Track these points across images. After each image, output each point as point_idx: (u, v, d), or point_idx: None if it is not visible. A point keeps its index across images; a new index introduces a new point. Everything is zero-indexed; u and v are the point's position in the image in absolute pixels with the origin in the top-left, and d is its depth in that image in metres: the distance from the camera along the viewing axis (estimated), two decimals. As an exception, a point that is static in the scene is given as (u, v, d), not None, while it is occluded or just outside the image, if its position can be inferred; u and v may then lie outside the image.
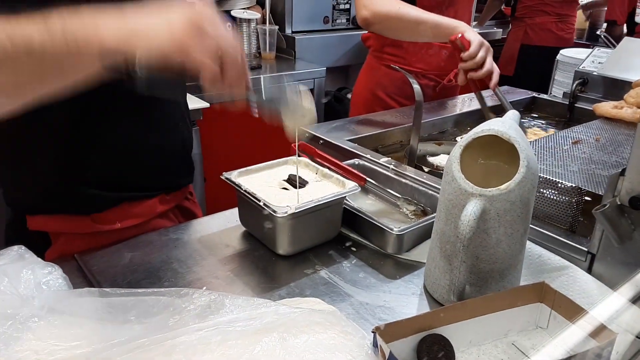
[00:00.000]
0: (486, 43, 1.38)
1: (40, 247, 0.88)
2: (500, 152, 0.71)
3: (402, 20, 1.42)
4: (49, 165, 0.86)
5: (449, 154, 0.73)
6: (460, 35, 1.35)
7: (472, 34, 1.37)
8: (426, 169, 1.15)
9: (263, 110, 0.70)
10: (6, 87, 0.58)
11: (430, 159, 1.28)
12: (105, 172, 0.89)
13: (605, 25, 3.51)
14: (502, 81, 1.47)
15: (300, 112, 0.71)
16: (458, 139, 1.43)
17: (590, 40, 3.61)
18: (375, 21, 1.45)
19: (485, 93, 1.50)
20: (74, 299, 0.64)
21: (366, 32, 1.75)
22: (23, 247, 0.71)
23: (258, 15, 2.45)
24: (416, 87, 1.18)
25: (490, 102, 1.52)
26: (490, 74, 1.37)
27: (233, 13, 2.41)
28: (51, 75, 0.59)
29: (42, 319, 0.61)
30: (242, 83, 0.65)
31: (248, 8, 2.50)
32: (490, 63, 1.37)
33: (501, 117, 0.74)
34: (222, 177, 0.90)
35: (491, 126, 0.70)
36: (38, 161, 0.86)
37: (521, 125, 1.49)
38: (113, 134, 0.87)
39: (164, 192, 0.98)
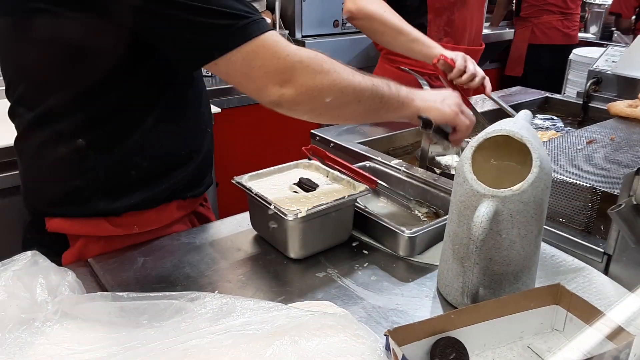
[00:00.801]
0: (468, 56, 1.39)
1: (58, 249, 0.89)
2: (513, 152, 0.70)
3: (385, 24, 1.43)
4: (75, 164, 0.87)
5: (458, 155, 0.72)
6: (441, 56, 1.36)
7: (449, 52, 1.38)
8: (438, 171, 1.14)
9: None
10: (357, 114, 0.93)
11: (439, 159, 1.27)
12: (134, 174, 0.90)
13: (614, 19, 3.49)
14: (512, 82, 1.47)
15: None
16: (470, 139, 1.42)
17: (604, 39, 3.57)
18: (359, 17, 1.46)
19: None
20: (87, 304, 0.65)
21: None
22: (37, 253, 0.71)
23: (268, 20, 2.46)
24: (427, 89, 1.18)
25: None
26: (483, 81, 1.39)
27: (243, 18, 2.42)
28: (379, 116, 0.96)
29: (55, 323, 0.62)
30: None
31: (258, 13, 2.51)
32: (480, 70, 1.38)
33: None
34: (233, 181, 0.90)
35: (503, 126, 0.69)
36: (61, 163, 0.87)
37: None
38: (148, 137, 0.88)
39: (183, 197, 0.98)
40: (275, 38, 0.79)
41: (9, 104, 0.89)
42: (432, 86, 1.67)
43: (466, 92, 1.42)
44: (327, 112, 0.87)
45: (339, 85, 0.83)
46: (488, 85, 1.40)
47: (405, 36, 1.42)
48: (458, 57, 1.36)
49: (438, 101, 0.99)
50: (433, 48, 1.39)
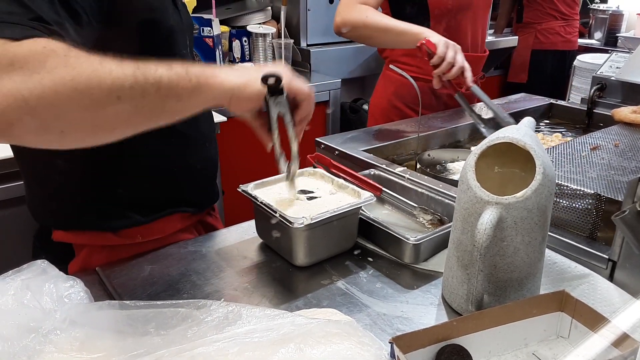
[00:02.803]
0: (451, 42, 1.37)
1: (65, 257, 0.91)
2: (516, 159, 0.70)
3: (369, 28, 1.44)
4: (78, 183, 0.88)
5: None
6: (425, 40, 1.35)
7: (436, 37, 1.37)
8: (429, 170, 1.14)
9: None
10: (126, 116, 0.63)
11: (451, 166, 1.28)
12: (135, 190, 0.91)
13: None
14: (517, 88, 1.47)
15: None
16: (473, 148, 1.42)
17: (608, 45, 3.57)
18: (345, 29, 1.48)
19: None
20: (94, 312, 0.65)
21: None
22: (46, 262, 0.72)
23: (273, 30, 2.48)
24: (414, 82, 1.24)
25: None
26: (462, 72, 1.36)
27: (249, 28, 2.45)
28: (168, 111, 0.67)
29: (63, 331, 0.63)
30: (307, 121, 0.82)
31: (263, 23, 2.53)
32: (461, 60, 1.36)
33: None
34: (239, 190, 0.91)
35: (506, 134, 0.69)
36: (67, 180, 0.88)
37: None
38: (145, 152, 0.89)
39: (185, 212, 0.99)
40: None
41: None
42: (435, 94, 1.69)
43: (450, 82, 1.40)
44: (71, 127, 0.60)
45: (73, 82, 0.57)
46: (468, 76, 1.37)
47: (392, 32, 1.42)
48: (440, 44, 1.34)
49: (259, 70, 0.73)
50: (419, 34, 1.38)
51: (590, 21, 3.77)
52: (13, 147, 0.91)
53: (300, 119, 0.79)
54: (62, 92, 0.56)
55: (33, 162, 0.90)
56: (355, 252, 0.92)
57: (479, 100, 1.41)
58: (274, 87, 0.71)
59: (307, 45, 2.59)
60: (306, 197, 0.91)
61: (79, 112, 0.59)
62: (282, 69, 0.75)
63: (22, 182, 1.30)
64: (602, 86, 1.66)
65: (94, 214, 0.89)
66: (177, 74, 0.65)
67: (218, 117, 1.89)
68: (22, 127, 0.57)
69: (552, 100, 1.81)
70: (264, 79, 0.71)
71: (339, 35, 1.54)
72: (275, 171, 0.98)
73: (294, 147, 0.81)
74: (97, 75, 0.58)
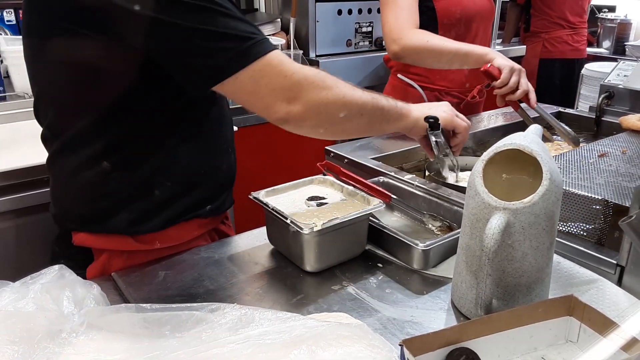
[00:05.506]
0: (517, 66, 1.42)
1: (84, 262, 0.92)
2: (524, 166, 0.71)
3: (432, 52, 1.47)
4: (114, 185, 0.89)
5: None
6: (489, 65, 1.40)
7: (501, 60, 1.41)
8: (438, 177, 1.16)
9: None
10: (360, 127, 0.96)
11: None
12: (165, 192, 0.93)
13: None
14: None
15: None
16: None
17: (616, 53, 3.57)
18: (405, 54, 1.50)
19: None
20: (111, 315, 0.67)
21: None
22: (64, 267, 0.74)
23: (283, 41, 2.51)
24: (421, 91, 1.32)
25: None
26: (526, 95, 1.43)
27: (258, 39, 2.48)
28: (381, 128, 1.01)
29: (82, 334, 0.64)
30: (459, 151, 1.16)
31: (273, 34, 2.57)
32: (524, 84, 1.42)
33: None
34: (250, 197, 0.93)
35: (513, 140, 0.71)
36: (87, 186, 0.90)
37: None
38: (177, 155, 0.91)
39: (204, 216, 1.01)
40: (279, 57, 0.81)
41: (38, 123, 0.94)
42: (439, 100, 1.70)
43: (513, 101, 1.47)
44: (332, 127, 0.90)
45: (343, 100, 0.87)
46: (532, 98, 1.44)
47: (456, 54, 1.46)
48: (505, 69, 1.40)
49: (432, 108, 1.08)
50: (484, 55, 1.44)
51: (599, 30, 3.77)
52: (48, 149, 0.94)
53: (456, 145, 1.12)
54: (335, 105, 0.87)
55: (68, 162, 0.90)
56: (367, 258, 0.92)
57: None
58: (432, 124, 1.05)
59: (316, 56, 2.61)
60: (316, 203, 0.93)
61: (337, 119, 0.89)
62: (444, 110, 1.08)
63: (39, 191, 1.32)
64: (610, 94, 1.67)
65: (115, 215, 0.91)
66: (390, 105, 0.98)
67: (229, 127, 1.91)
68: (310, 122, 0.87)
69: (561, 109, 1.81)
70: (426, 119, 1.04)
71: (397, 60, 1.56)
72: (286, 179, 1.00)
73: (453, 160, 1.15)
74: (352, 97, 0.89)
